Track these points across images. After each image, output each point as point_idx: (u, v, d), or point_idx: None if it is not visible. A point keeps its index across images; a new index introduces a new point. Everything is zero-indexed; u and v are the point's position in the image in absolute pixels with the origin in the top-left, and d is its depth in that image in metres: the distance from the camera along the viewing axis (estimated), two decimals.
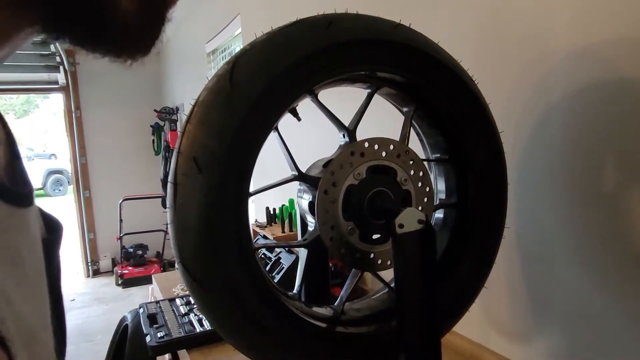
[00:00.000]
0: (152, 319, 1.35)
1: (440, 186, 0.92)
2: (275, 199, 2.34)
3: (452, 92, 0.81)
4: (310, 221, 0.82)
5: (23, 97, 17.06)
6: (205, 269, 0.65)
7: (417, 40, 0.79)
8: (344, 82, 0.84)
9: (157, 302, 1.49)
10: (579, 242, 0.94)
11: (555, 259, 0.98)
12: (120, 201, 5.27)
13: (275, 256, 1.58)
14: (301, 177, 0.79)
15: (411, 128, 0.87)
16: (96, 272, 5.83)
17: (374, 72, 0.80)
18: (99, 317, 4.50)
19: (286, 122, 0.77)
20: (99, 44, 0.34)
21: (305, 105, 0.81)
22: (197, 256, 0.65)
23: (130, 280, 5.20)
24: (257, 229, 2.19)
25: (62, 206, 11.04)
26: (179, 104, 5.06)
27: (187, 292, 1.13)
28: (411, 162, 0.78)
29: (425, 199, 0.80)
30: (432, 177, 0.91)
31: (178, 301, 1.48)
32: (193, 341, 1.22)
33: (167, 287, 1.77)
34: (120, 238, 5.32)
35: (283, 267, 1.50)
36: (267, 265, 1.57)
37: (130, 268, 5.31)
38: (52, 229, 0.37)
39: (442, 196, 0.92)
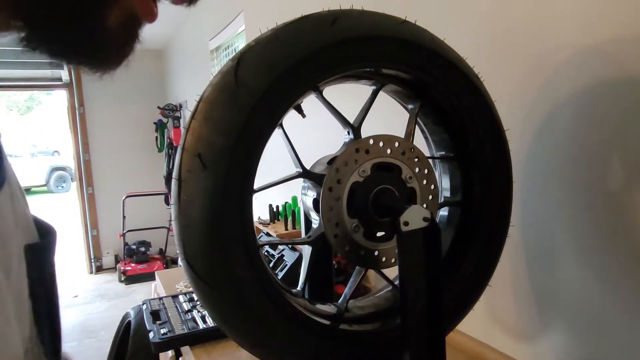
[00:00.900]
0: (155, 315, 1.35)
1: (445, 184, 0.92)
2: (279, 196, 2.34)
3: (457, 90, 0.81)
4: (315, 218, 0.82)
5: (26, 93, 17.10)
6: (209, 265, 0.65)
7: (423, 37, 0.78)
8: (349, 79, 0.83)
9: (160, 298, 1.49)
10: (585, 240, 0.94)
11: (561, 257, 0.98)
12: (123, 198, 5.28)
13: (278, 253, 1.57)
14: (305, 174, 0.78)
15: (416, 125, 0.86)
16: (99, 269, 5.85)
17: (379, 68, 0.80)
18: (101, 313, 4.52)
19: (291, 118, 0.77)
20: (80, 58, 0.35)
21: (310, 102, 0.81)
22: (201, 253, 0.65)
23: (133, 277, 5.22)
24: (261, 226, 2.19)
25: (65, 203, 11.09)
26: (182, 101, 5.07)
27: (191, 289, 1.13)
28: (416, 160, 0.78)
29: (430, 197, 0.80)
30: (436, 174, 0.91)
31: (181, 298, 1.48)
32: (196, 338, 1.22)
33: (170, 284, 1.78)
34: (123, 235, 5.34)
35: (286, 265, 1.49)
36: (270, 262, 1.57)
37: (133, 265, 5.33)
38: (44, 235, 0.37)
39: (447, 194, 0.91)
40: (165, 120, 5.39)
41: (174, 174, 0.67)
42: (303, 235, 0.93)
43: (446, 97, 0.82)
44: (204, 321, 1.28)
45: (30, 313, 0.33)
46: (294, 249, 1.54)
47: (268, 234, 2.02)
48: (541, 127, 0.99)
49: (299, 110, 0.81)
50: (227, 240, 0.64)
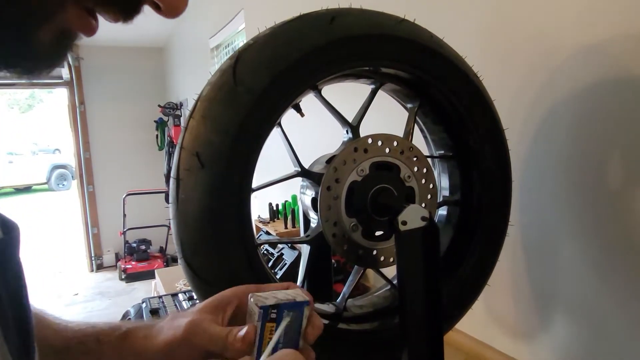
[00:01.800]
0: (154, 313, 1.35)
1: (443, 183, 0.92)
2: (279, 195, 2.34)
3: (457, 89, 0.80)
4: (313, 217, 0.82)
5: (27, 91, 17.10)
6: (208, 264, 0.65)
7: (422, 35, 0.78)
8: (347, 78, 0.83)
9: (160, 296, 1.50)
10: (584, 240, 0.93)
11: (560, 256, 0.98)
12: (123, 196, 5.29)
13: (277, 252, 1.58)
14: (304, 173, 0.78)
15: (415, 124, 0.86)
16: (100, 267, 5.86)
17: (378, 67, 0.79)
18: (102, 311, 4.52)
19: (289, 118, 0.77)
20: (8, 68, 0.36)
21: (308, 101, 0.81)
22: (200, 252, 0.65)
23: (134, 275, 5.22)
24: (260, 225, 2.19)
25: (66, 201, 11.10)
26: (182, 99, 5.06)
27: (190, 288, 1.13)
28: (415, 159, 0.78)
29: (429, 196, 0.80)
30: (435, 173, 0.91)
31: (181, 296, 1.48)
32: None
33: (169, 282, 1.78)
34: (124, 233, 5.34)
35: (285, 263, 1.50)
36: (269, 261, 1.57)
37: (133, 263, 5.34)
38: (7, 231, 0.36)
39: (446, 193, 0.91)
40: (165, 118, 5.39)
41: (172, 173, 0.67)
42: (302, 234, 0.93)
43: (445, 96, 0.81)
44: None
45: None
46: (293, 248, 1.54)
47: (268, 233, 2.03)
48: (541, 127, 0.99)
49: (298, 109, 0.81)
50: (225, 239, 0.64)
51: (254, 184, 0.69)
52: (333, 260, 0.95)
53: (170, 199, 0.67)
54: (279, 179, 0.78)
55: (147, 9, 0.39)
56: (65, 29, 0.35)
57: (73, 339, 0.52)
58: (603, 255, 0.90)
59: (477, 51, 1.08)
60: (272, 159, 1.32)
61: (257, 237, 0.70)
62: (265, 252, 1.64)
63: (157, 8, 0.38)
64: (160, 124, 5.58)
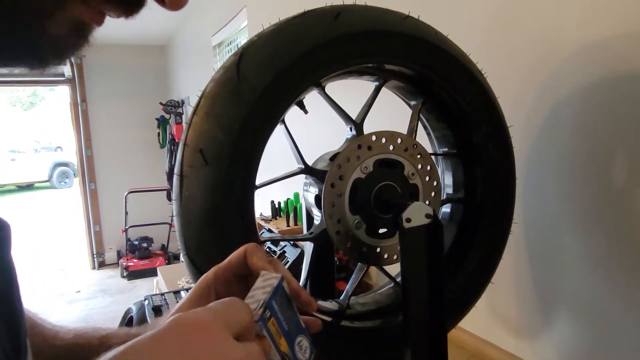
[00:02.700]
0: (157, 310, 1.35)
1: (447, 180, 0.92)
2: (281, 193, 2.34)
3: (461, 86, 0.80)
4: (317, 215, 0.81)
5: (29, 89, 17.12)
6: (211, 261, 0.65)
7: (427, 32, 0.78)
8: (351, 75, 0.83)
9: (162, 294, 1.50)
10: (587, 238, 0.93)
11: (563, 254, 0.98)
12: (125, 194, 5.29)
13: (280, 250, 1.58)
14: (307, 170, 0.78)
15: (419, 122, 0.86)
16: (102, 264, 5.87)
17: (382, 64, 0.79)
18: (104, 308, 4.54)
19: (293, 114, 0.76)
20: (18, 62, 0.37)
21: (312, 98, 0.81)
22: (203, 248, 0.65)
23: (136, 273, 5.23)
24: (262, 223, 2.19)
25: (68, 199, 11.12)
26: (184, 97, 5.06)
27: (192, 285, 1.13)
28: (419, 156, 0.77)
29: (433, 193, 0.79)
30: (439, 171, 0.90)
31: (183, 293, 1.48)
32: None
33: (172, 280, 1.78)
34: (126, 230, 5.35)
35: (288, 261, 1.49)
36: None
37: (135, 260, 5.34)
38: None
39: (449, 190, 0.91)
40: (167, 116, 5.39)
41: (176, 170, 0.66)
42: (305, 231, 0.93)
43: (449, 94, 0.81)
44: None
45: None
46: (295, 246, 1.54)
47: (270, 230, 2.02)
48: (544, 124, 0.99)
49: (301, 106, 0.81)
50: (229, 236, 0.64)
51: (257, 181, 0.69)
52: (336, 258, 0.94)
53: (174, 196, 0.67)
54: (283, 176, 0.78)
55: (151, 3, 0.39)
56: (76, 20, 0.36)
57: (62, 347, 0.52)
58: (607, 253, 0.90)
59: (481, 48, 1.08)
60: (274, 157, 1.32)
61: (260, 234, 0.70)
62: (267, 249, 1.64)
63: (161, 1, 0.38)
64: (162, 122, 5.57)
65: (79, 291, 5.07)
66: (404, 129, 0.81)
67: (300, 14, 0.71)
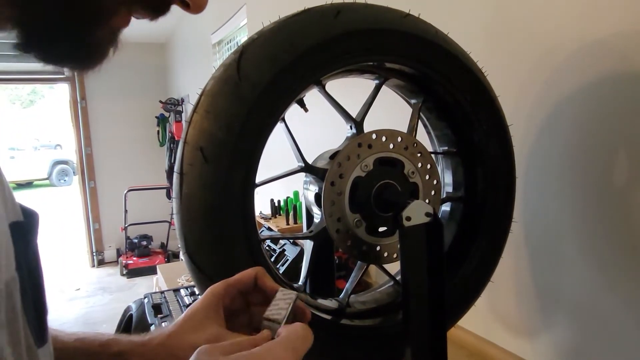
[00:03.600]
0: (156, 309, 1.35)
1: (447, 179, 0.92)
2: (280, 191, 2.34)
3: (461, 84, 0.80)
4: (317, 213, 0.81)
5: (29, 87, 17.10)
6: (211, 259, 0.65)
7: (427, 31, 0.77)
8: (351, 73, 0.83)
9: (162, 292, 1.50)
10: (588, 237, 0.93)
11: (563, 254, 0.98)
12: (125, 192, 5.29)
13: (279, 248, 1.58)
14: (307, 168, 0.78)
15: (419, 120, 0.86)
16: (101, 262, 5.87)
17: (383, 62, 0.79)
18: (103, 306, 4.54)
19: (293, 113, 0.76)
20: (67, 64, 0.42)
21: (312, 96, 0.81)
22: (203, 246, 0.65)
23: (135, 271, 5.23)
24: (262, 221, 2.19)
25: (67, 197, 11.11)
26: (184, 95, 5.06)
27: (192, 283, 1.13)
28: (419, 155, 0.77)
29: (433, 192, 0.79)
30: (439, 170, 0.90)
31: (182, 292, 1.48)
32: None
33: (171, 278, 1.78)
34: (125, 229, 5.35)
35: (287, 259, 1.50)
36: (271, 257, 1.57)
37: (134, 258, 5.34)
38: (27, 216, 0.38)
39: (449, 189, 0.91)
40: (167, 114, 5.39)
41: (176, 168, 0.66)
42: (304, 230, 0.93)
43: (449, 92, 0.81)
44: None
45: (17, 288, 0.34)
46: (295, 244, 1.54)
47: (269, 229, 2.03)
48: (545, 123, 0.99)
49: (302, 104, 0.81)
50: (229, 234, 0.64)
51: (257, 180, 0.69)
52: (336, 257, 0.94)
53: (174, 194, 0.67)
54: (283, 174, 0.78)
55: (174, 8, 0.43)
56: (115, 27, 0.40)
57: (62, 350, 0.52)
58: (607, 252, 0.90)
59: (482, 47, 1.08)
60: (274, 155, 1.31)
61: (259, 232, 0.70)
62: (267, 248, 1.64)
63: (185, 6, 0.42)
64: (162, 120, 5.57)
65: (78, 289, 5.07)
66: (404, 128, 0.81)
67: (300, 12, 0.70)
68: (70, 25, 0.37)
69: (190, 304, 1.37)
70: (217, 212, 0.64)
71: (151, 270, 4.86)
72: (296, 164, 0.79)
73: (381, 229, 0.77)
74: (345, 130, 0.83)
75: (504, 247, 0.87)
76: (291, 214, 2.09)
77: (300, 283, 0.83)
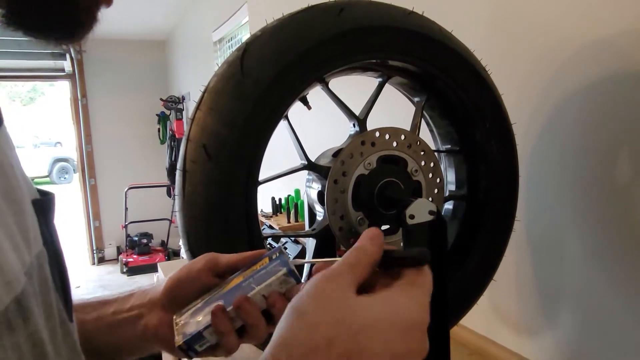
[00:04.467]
0: None
1: (450, 177, 0.91)
2: (282, 189, 2.34)
3: (464, 82, 0.80)
4: (319, 211, 0.81)
5: (29, 84, 17.09)
6: None
7: (430, 28, 0.77)
8: (355, 71, 0.82)
9: None
10: (590, 236, 0.93)
11: (566, 253, 0.97)
12: (125, 189, 5.29)
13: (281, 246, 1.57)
14: (310, 166, 0.78)
15: (422, 118, 0.85)
16: (101, 260, 5.87)
17: (386, 60, 0.79)
18: None
19: (296, 110, 0.76)
20: (53, 36, 0.39)
21: (315, 94, 0.80)
22: (206, 244, 0.65)
23: (135, 269, 5.23)
24: (263, 219, 2.19)
25: (67, 194, 11.11)
26: (185, 93, 5.05)
27: None
28: (422, 153, 0.77)
29: (436, 190, 0.79)
30: (442, 168, 0.90)
31: None
32: None
33: None
34: (126, 226, 5.34)
35: (290, 257, 1.49)
36: None
37: (135, 256, 5.34)
38: (44, 194, 0.38)
39: (452, 187, 0.91)
40: (167, 112, 5.38)
41: (179, 165, 0.66)
42: (307, 227, 0.93)
43: (453, 90, 0.81)
44: None
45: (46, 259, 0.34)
46: (296, 242, 1.54)
47: (271, 227, 2.02)
48: (548, 121, 0.98)
49: (305, 101, 0.81)
50: (232, 232, 0.64)
51: (260, 177, 0.69)
52: (337, 255, 0.94)
53: (177, 191, 0.66)
54: (285, 172, 0.77)
55: None
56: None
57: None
58: (609, 251, 0.89)
59: (486, 44, 1.07)
60: (276, 153, 1.31)
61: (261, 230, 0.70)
62: (268, 245, 1.64)
63: None
64: (163, 118, 5.56)
65: (78, 287, 5.07)
66: (406, 126, 0.81)
67: (304, 9, 0.70)
68: None
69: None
70: (219, 209, 0.63)
71: (151, 268, 4.86)
72: (299, 161, 0.79)
73: (384, 227, 0.77)
74: (348, 128, 0.83)
75: (506, 246, 0.87)
76: (292, 212, 2.09)
77: (303, 281, 0.82)
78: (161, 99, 5.20)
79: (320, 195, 0.78)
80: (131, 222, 5.33)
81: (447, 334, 0.73)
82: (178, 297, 0.52)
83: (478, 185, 0.87)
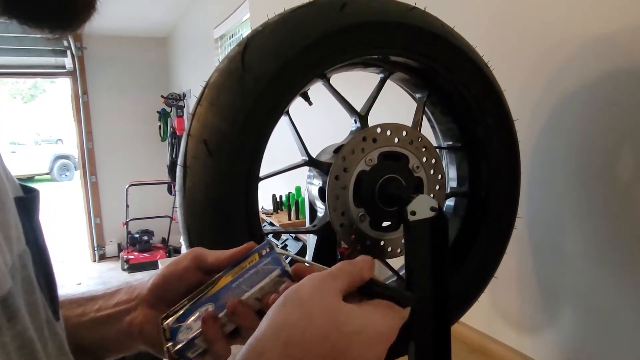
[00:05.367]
0: None
1: (451, 174, 0.91)
2: (283, 186, 2.33)
3: (467, 78, 0.79)
4: (320, 207, 0.81)
5: (30, 81, 17.09)
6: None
7: (433, 24, 0.77)
8: (356, 66, 0.82)
9: None
10: (592, 233, 0.93)
11: (567, 250, 0.97)
12: (126, 187, 5.29)
13: (281, 243, 1.57)
14: (312, 162, 0.78)
15: (424, 115, 0.85)
16: (102, 257, 5.87)
17: (388, 56, 0.78)
18: None
19: (297, 106, 0.76)
20: (49, 25, 0.37)
21: (316, 90, 0.80)
22: (207, 240, 0.64)
23: (136, 266, 5.24)
24: (264, 216, 2.19)
25: (68, 191, 11.13)
26: (185, 90, 5.05)
27: None
28: (424, 149, 0.77)
29: (437, 187, 0.79)
30: (443, 164, 0.90)
31: None
32: None
33: None
34: (126, 223, 5.35)
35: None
36: None
37: (136, 253, 5.35)
38: (28, 192, 0.38)
39: (454, 184, 0.91)
40: (168, 109, 5.37)
41: (179, 161, 0.66)
42: (308, 224, 0.93)
43: (455, 86, 0.80)
44: None
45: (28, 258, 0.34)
46: (297, 239, 1.54)
47: (271, 224, 2.02)
48: (551, 118, 0.98)
49: (306, 97, 0.80)
50: (233, 227, 0.64)
51: (261, 173, 0.69)
52: (338, 252, 0.94)
53: (177, 187, 0.66)
54: (286, 168, 0.77)
55: None
56: None
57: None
58: (611, 248, 0.89)
59: (488, 40, 1.07)
60: (277, 149, 1.31)
61: (262, 226, 0.70)
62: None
63: None
64: (163, 115, 5.56)
65: (79, 283, 5.08)
66: (408, 122, 0.80)
67: (306, 4, 0.70)
68: None
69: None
70: (220, 205, 0.63)
71: (152, 265, 4.87)
72: (300, 158, 0.78)
73: (385, 224, 0.77)
74: (350, 124, 0.82)
75: (508, 243, 0.87)
76: (293, 209, 2.08)
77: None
78: (162, 96, 5.19)
79: (321, 191, 0.78)
80: (132, 219, 5.33)
81: (448, 331, 0.73)
82: (165, 294, 0.51)
83: (480, 182, 0.86)
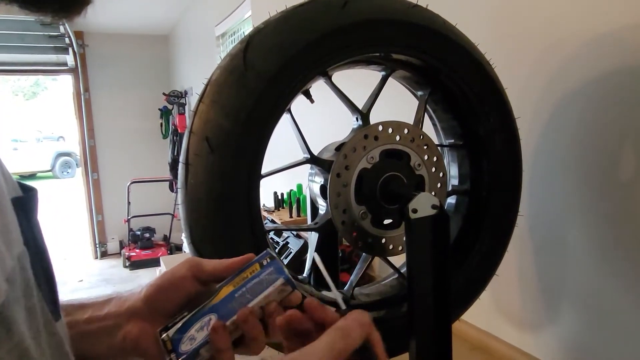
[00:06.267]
0: None
1: (453, 172, 0.91)
2: (284, 184, 2.33)
3: (468, 76, 0.79)
4: (322, 205, 0.81)
5: (32, 78, 17.10)
6: (216, 250, 0.65)
7: (435, 21, 0.77)
8: (358, 64, 0.82)
9: None
10: (594, 231, 0.93)
11: (568, 248, 0.97)
12: (128, 184, 5.29)
13: (283, 241, 1.57)
14: (313, 160, 0.78)
15: (425, 112, 0.85)
16: (104, 254, 5.88)
17: (389, 53, 0.79)
18: None
19: (299, 104, 0.76)
20: (51, 7, 0.36)
21: (318, 88, 0.80)
22: (208, 237, 0.65)
23: (138, 263, 5.25)
24: (265, 214, 2.19)
25: (70, 188, 11.14)
26: (187, 87, 5.05)
27: None
28: (425, 147, 0.77)
29: (439, 185, 0.79)
30: (445, 162, 0.90)
31: None
32: None
33: None
34: (128, 221, 5.35)
35: (291, 252, 1.49)
36: (275, 249, 1.56)
37: (137, 250, 5.36)
38: (26, 191, 0.37)
39: (455, 182, 0.91)
40: (170, 106, 5.38)
41: (182, 158, 0.66)
42: (309, 222, 0.93)
43: (456, 84, 0.80)
44: None
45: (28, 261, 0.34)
46: (298, 237, 1.54)
47: (273, 221, 2.02)
48: (552, 116, 0.98)
49: (308, 95, 0.81)
50: (235, 225, 0.64)
51: (263, 171, 0.69)
52: (339, 250, 0.94)
53: (179, 184, 0.66)
54: (288, 166, 0.77)
55: None
56: None
57: None
58: (612, 246, 0.89)
59: (490, 38, 1.07)
60: (279, 147, 1.31)
61: (264, 224, 0.70)
62: (270, 240, 1.63)
63: None
64: (165, 112, 5.56)
65: (81, 280, 5.09)
66: (410, 120, 0.80)
67: (308, 2, 0.70)
68: None
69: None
70: (222, 202, 0.63)
71: (154, 262, 4.87)
72: (301, 155, 0.78)
73: (387, 222, 0.77)
74: (351, 122, 0.82)
75: (509, 241, 0.87)
76: (294, 207, 2.09)
77: (304, 275, 0.83)
78: (164, 94, 5.20)
79: (323, 189, 0.78)
80: (134, 217, 5.34)
81: (449, 328, 0.73)
82: (160, 305, 0.48)
83: (481, 180, 0.86)
